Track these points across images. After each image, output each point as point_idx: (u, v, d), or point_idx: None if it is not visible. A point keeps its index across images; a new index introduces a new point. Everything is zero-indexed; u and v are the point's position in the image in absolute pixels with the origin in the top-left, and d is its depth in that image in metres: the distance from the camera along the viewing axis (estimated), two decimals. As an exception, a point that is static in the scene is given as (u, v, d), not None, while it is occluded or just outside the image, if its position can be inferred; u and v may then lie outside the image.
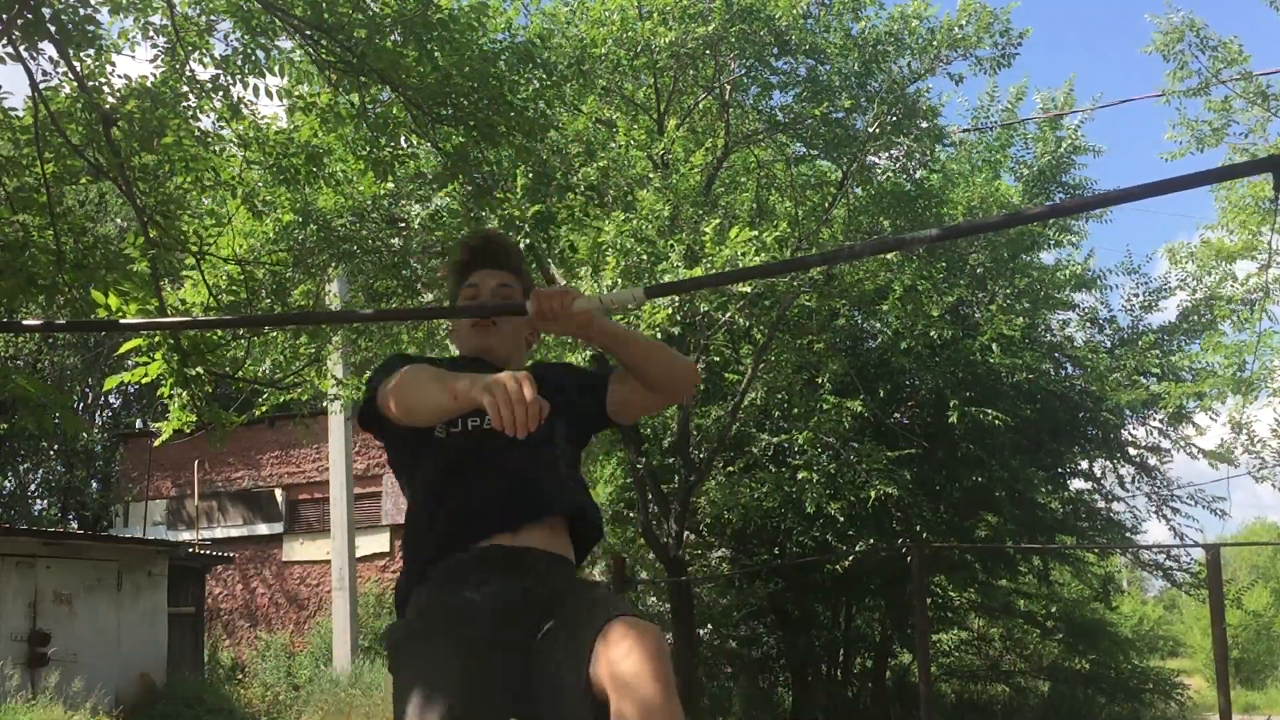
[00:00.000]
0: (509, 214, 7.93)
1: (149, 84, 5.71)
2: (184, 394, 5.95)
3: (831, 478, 9.84)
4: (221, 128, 6.22)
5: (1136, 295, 12.83)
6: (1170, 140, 10.43)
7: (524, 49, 6.34)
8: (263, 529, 20.16)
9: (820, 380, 10.41)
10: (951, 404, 10.32)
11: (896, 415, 11.55)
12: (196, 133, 5.89)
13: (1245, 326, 11.19)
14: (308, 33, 5.50)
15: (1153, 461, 12.39)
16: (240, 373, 7.39)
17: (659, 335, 7.75)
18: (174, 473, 20.66)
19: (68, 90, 5.59)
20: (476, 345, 2.38)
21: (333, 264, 8.39)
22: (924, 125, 8.95)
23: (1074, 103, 12.35)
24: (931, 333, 10.03)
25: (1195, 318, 12.08)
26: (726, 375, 11.03)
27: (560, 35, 8.34)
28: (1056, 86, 13.20)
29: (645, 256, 7.57)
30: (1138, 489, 12.48)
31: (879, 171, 9.56)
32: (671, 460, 10.05)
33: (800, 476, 9.66)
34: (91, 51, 5.37)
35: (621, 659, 1.82)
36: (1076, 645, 14.09)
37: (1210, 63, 9.69)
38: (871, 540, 10.74)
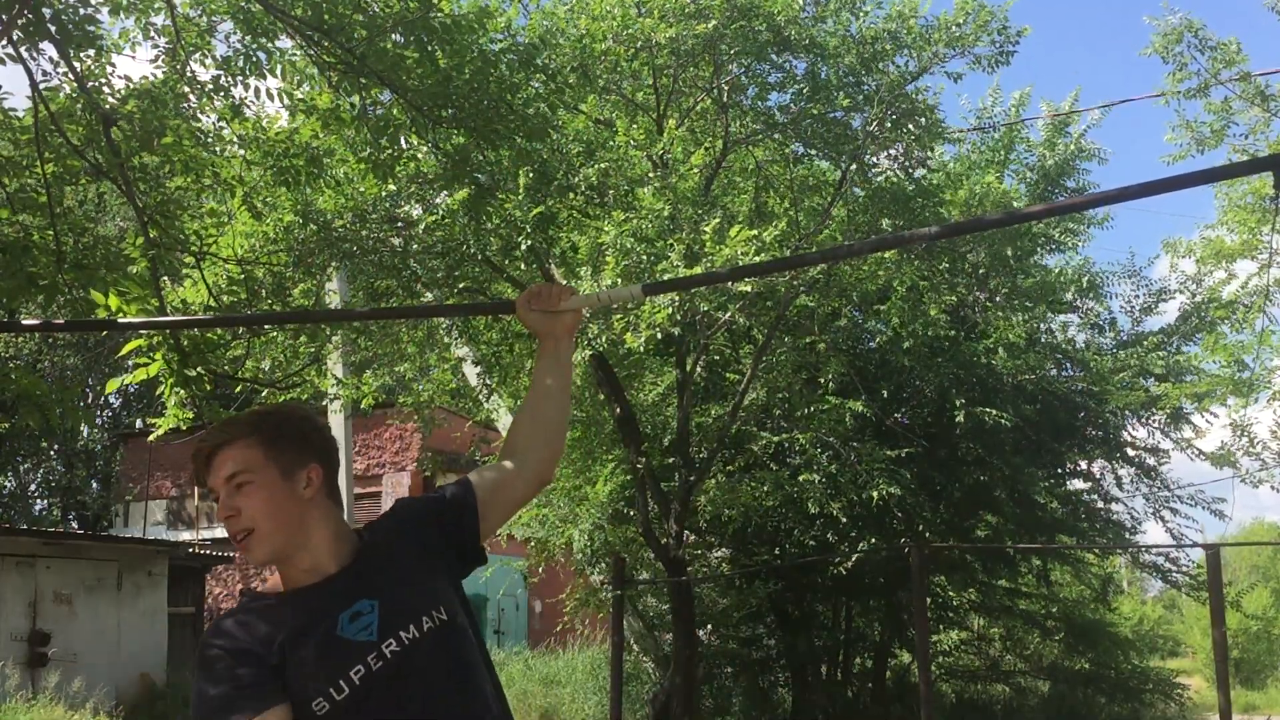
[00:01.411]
0: (510, 215, 7.95)
1: (150, 85, 5.72)
2: (182, 392, 5.95)
3: (833, 478, 9.85)
4: (222, 128, 6.23)
5: (1136, 298, 12.86)
6: (1170, 142, 10.44)
7: (525, 54, 6.34)
8: (263, 529, 20.15)
9: (821, 380, 10.42)
10: (956, 403, 10.34)
11: (896, 416, 11.56)
12: (197, 133, 5.89)
13: (1244, 327, 11.21)
14: (309, 34, 5.50)
15: (1151, 462, 12.41)
16: (240, 372, 7.40)
17: (658, 335, 7.76)
18: (174, 473, 20.67)
19: (68, 90, 5.60)
20: (254, 559, 1.91)
21: (333, 263, 8.40)
22: (922, 122, 8.95)
23: (1079, 115, 12.37)
24: (931, 331, 10.05)
25: (1195, 320, 12.09)
26: (727, 375, 11.03)
27: (560, 36, 8.35)
28: (1062, 99, 13.25)
29: (645, 256, 7.57)
30: (1136, 490, 12.51)
31: (878, 171, 9.57)
32: (672, 460, 10.05)
33: (801, 478, 9.67)
34: (92, 52, 5.37)
35: None
36: (1076, 645, 14.10)
37: (1209, 64, 9.69)
38: (873, 540, 10.74)
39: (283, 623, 1.83)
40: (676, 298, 7.46)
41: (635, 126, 9.23)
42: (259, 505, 1.87)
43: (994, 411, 10.23)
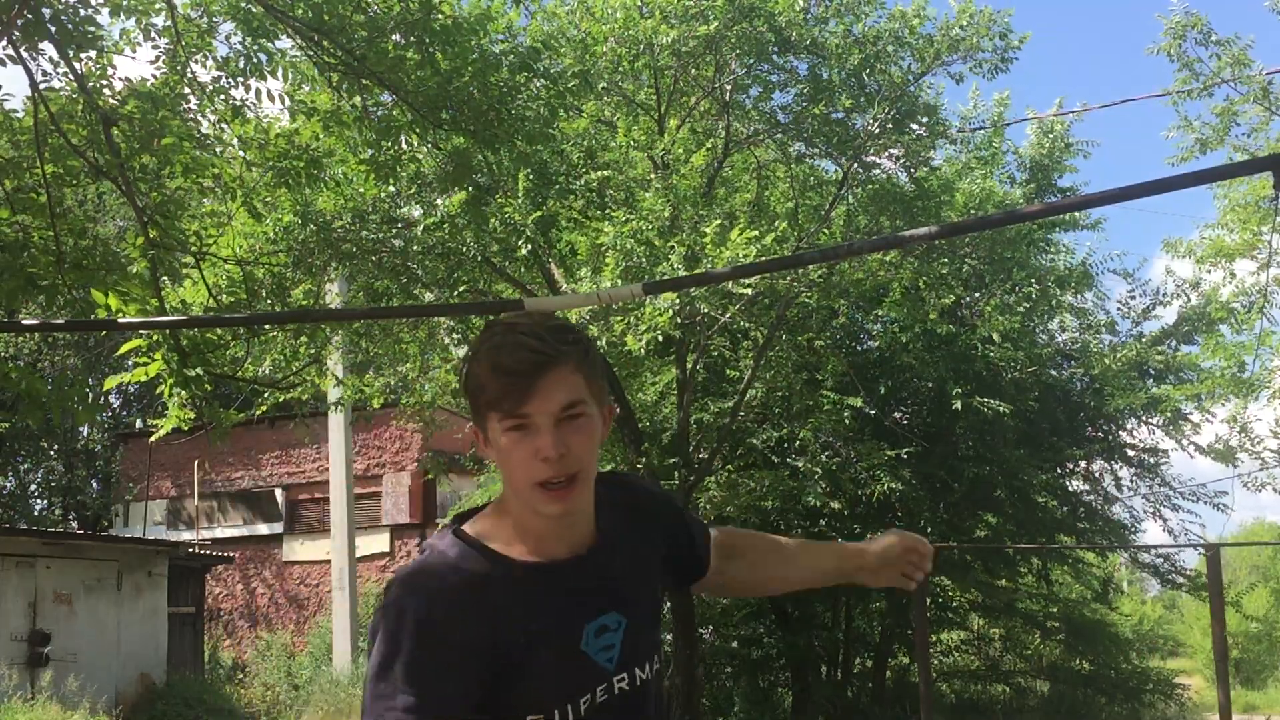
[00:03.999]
0: (510, 217, 7.95)
1: (150, 86, 5.72)
2: (182, 393, 5.96)
3: (833, 475, 9.84)
4: (223, 129, 6.23)
5: (1134, 298, 12.88)
6: (1170, 142, 10.38)
7: (526, 56, 6.34)
8: (263, 529, 20.17)
9: (821, 378, 10.43)
10: (955, 392, 10.34)
11: (895, 415, 11.57)
12: (197, 134, 5.89)
13: (1244, 328, 11.20)
14: (309, 35, 5.50)
15: (1151, 462, 12.42)
16: (240, 373, 7.40)
17: (659, 336, 7.75)
18: (174, 473, 20.66)
19: (68, 91, 5.60)
20: (566, 510, 1.49)
21: (333, 264, 8.40)
22: (924, 121, 8.96)
23: (1065, 124, 12.33)
24: (937, 329, 10.05)
25: (1193, 322, 12.08)
26: (728, 370, 11.03)
27: (562, 36, 8.34)
28: (1053, 98, 13.27)
29: (645, 257, 7.57)
30: (1136, 490, 12.53)
31: (879, 171, 9.57)
32: (672, 460, 10.05)
33: (802, 467, 9.66)
34: (92, 53, 5.37)
35: None
36: (1076, 645, 14.11)
37: (1213, 61, 9.65)
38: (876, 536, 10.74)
39: (513, 615, 1.47)
40: (677, 299, 7.46)
41: (636, 126, 9.24)
42: (589, 444, 1.48)
43: (992, 402, 10.24)
